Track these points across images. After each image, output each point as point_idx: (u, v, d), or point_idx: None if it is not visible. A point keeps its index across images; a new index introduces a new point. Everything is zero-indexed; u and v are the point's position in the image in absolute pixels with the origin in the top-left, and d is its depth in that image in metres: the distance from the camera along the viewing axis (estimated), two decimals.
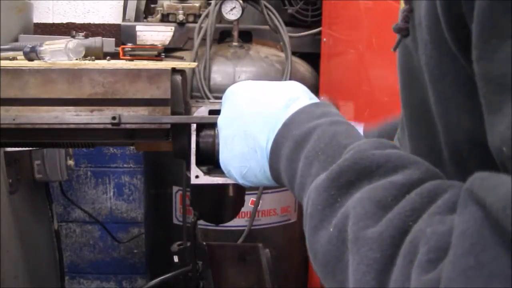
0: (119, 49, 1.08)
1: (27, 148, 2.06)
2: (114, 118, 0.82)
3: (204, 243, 1.78)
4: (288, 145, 0.60)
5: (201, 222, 1.66)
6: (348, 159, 0.51)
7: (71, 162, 2.31)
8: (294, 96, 0.65)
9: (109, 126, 0.85)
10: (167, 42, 2.33)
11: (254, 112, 0.66)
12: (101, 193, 2.90)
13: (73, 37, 1.59)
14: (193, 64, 0.99)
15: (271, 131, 0.63)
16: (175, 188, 2.25)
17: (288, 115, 0.62)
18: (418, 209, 0.44)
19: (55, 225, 2.42)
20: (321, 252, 0.50)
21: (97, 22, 2.73)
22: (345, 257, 0.47)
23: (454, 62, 0.47)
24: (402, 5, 0.55)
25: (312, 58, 2.32)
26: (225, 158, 0.70)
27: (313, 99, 0.66)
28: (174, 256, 2.01)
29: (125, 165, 2.89)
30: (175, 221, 2.28)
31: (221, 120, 0.72)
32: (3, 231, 1.87)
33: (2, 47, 1.46)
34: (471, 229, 0.36)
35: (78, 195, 2.87)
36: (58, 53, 0.99)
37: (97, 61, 1.02)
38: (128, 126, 0.88)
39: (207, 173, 0.93)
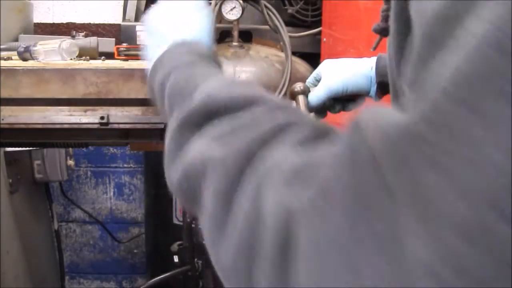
0: (114, 49, 1.07)
1: (27, 148, 2.06)
2: (102, 118, 0.81)
3: (204, 242, 1.78)
4: (156, 87, 0.62)
5: None
6: (197, 103, 0.52)
7: (71, 162, 2.31)
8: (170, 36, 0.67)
9: (98, 126, 0.84)
10: None
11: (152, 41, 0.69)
12: (101, 193, 2.90)
13: (73, 37, 1.59)
14: None
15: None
16: None
17: (158, 54, 0.64)
18: (269, 135, 0.44)
19: (55, 225, 2.42)
20: (176, 185, 0.51)
21: (97, 22, 2.72)
22: (198, 187, 0.47)
23: None
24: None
25: (312, 58, 2.31)
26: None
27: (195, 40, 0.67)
28: (174, 256, 2.01)
29: (125, 165, 2.88)
30: (175, 221, 2.28)
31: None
32: (3, 231, 1.88)
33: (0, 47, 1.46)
34: (346, 154, 0.34)
35: (78, 195, 2.87)
36: (52, 53, 0.99)
37: (91, 61, 1.01)
38: (118, 126, 0.87)
39: None
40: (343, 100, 1.17)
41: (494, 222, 0.26)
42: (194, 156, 0.48)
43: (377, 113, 0.34)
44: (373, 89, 1.15)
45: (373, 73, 1.14)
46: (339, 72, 1.16)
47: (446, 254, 0.27)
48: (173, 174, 0.51)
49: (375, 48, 0.62)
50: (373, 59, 1.16)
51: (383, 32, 0.55)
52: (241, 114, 0.48)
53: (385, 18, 0.54)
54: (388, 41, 0.54)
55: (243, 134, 0.45)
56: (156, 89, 0.62)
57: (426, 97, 0.30)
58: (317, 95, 1.13)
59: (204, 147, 0.47)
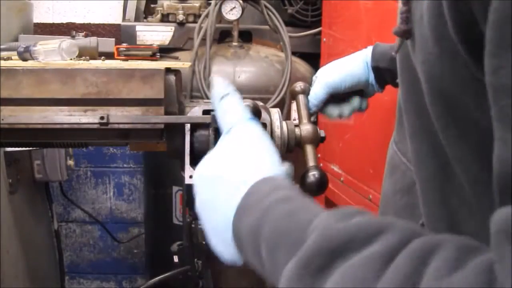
0: (114, 49, 1.07)
1: (27, 148, 2.06)
2: (102, 118, 0.81)
3: (204, 242, 1.78)
4: (246, 236, 0.55)
5: None
6: (315, 240, 0.45)
7: (71, 162, 2.31)
8: (247, 177, 0.59)
9: (98, 126, 0.84)
10: (167, 42, 2.32)
11: (210, 208, 0.62)
12: (101, 193, 2.90)
13: (73, 37, 1.58)
14: (187, 64, 0.99)
15: (228, 221, 0.59)
16: (175, 188, 2.25)
17: (238, 200, 0.58)
18: (412, 273, 0.38)
19: (55, 225, 2.42)
20: None
21: (97, 22, 2.73)
22: None
23: (455, 60, 0.46)
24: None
25: (312, 58, 2.32)
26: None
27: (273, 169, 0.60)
28: (174, 256, 2.01)
29: (125, 165, 2.89)
30: (175, 221, 2.28)
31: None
32: (3, 231, 1.88)
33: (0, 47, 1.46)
34: None
35: (78, 195, 2.87)
36: (52, 53, 0.99)
37: (91, 61, 1.01)
38: (118, 126, 0.87)
39: None
40: (340, 103, 1.19)
41: None
42: None
43: None
44: (372, 77, 1.17)
45: (369, 58, 1.16)
46: (334, 68, 1.17)
47: None
48: None
49: (397, 52, 0.60)
50: (369, 48, 1.18)
51: (405, 34, 0.54)
52: (368, 249, 0.42)
53: (405, 20, 0.53)
54: (412, 43, 0.53)
55: (387, 279, 0.39)
56: (244, 236, 0.55)
57: None
58: (316, 92, 1.14)
59: None
